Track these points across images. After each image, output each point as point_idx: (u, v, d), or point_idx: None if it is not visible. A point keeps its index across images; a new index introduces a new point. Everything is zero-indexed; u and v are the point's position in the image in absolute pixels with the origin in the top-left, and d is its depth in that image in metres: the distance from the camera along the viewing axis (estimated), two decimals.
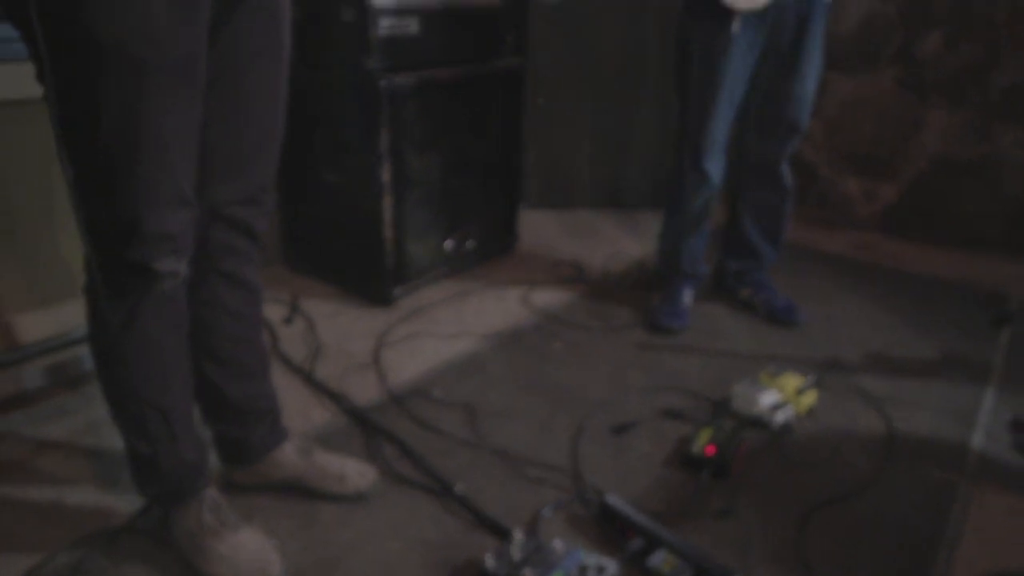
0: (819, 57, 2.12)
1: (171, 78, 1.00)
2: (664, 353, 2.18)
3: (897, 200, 3.26)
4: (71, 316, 1.82)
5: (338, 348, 2.17)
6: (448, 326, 2.31)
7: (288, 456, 1.53)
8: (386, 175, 2.22)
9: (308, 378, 2.00)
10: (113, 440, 1.45)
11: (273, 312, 2.34)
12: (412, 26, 2.19)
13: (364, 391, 1.95)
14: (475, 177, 2.58)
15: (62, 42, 0.94)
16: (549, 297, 2.53)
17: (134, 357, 1.19)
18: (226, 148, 1.21)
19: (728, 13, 1.96)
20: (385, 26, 2.12)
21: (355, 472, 1.54)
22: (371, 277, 2.41)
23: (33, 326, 1.80)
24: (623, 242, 3.08)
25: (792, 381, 1.88)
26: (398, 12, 2.15)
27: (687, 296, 2.37)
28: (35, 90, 1.02)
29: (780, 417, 1.79)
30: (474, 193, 2.60)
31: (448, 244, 2.55)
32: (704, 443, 1.66)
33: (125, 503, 1.49)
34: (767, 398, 1.81)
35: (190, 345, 1.30)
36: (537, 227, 3.15)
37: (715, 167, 2.19)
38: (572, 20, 3.19)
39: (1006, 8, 2.87)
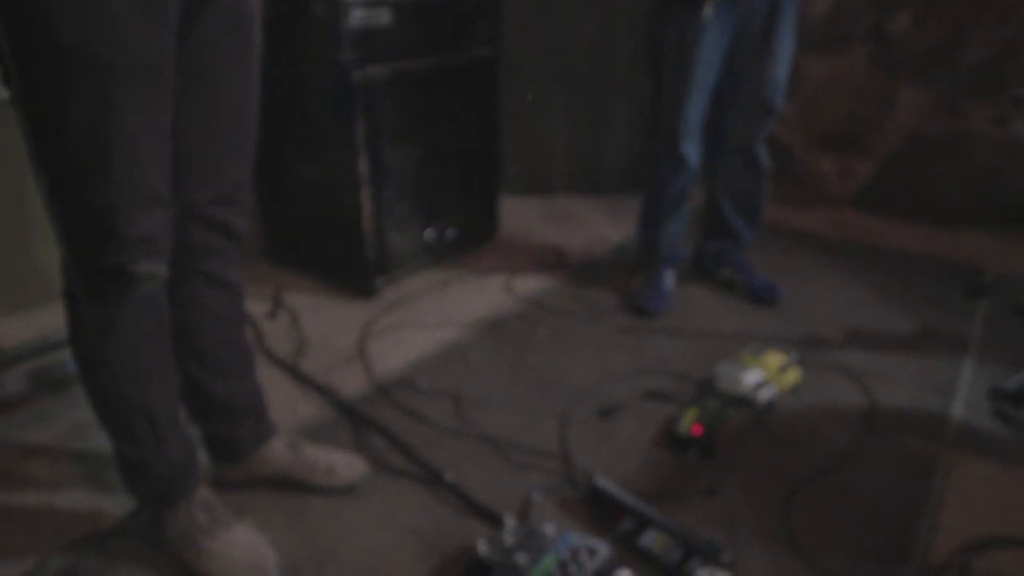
0: (791, 39, 2.14)
1: (139, 81, 0.99)
2: (647, 336, 2.20)
3: (872, 177, 3.30)
4: (52, 320, 1.79)
5: (322, 341, 2.17)
6: (431, 315, 2.31)
7: (277, 451, 1.53)
8: (363, 168, 2.21)
9: (294, 372, 2.00)
10: (100, 442, 1.44)
11: (256, 307, 2.33)
12: (384, 17, 2.18)
13: (350, 383, 1.95)
14: (453, 166, 2.57)
15: (26, 46, 0.93)
16: (531, 284, 2.54)
17: (116, 361, 1.18)
18: (200, 149, 1.20)
19: (699, 0, 1.97)
20: (357, 18, 2.10)
21: (344, 464, 1.54)
22: (353, 269, 2.41)
23: (13, 331, 1.78)
24: (602, 227, 3.10)
25: (774, 359, 1.91)
26: (370, 3, 2.13)
27: (668, 279, 2.38)
28: (3, 92, 1.01)
29: (764, 395, 1.81)
30: (453, 182, 2.60)
31: (428, 234, 2.55)
32: (690, 423, 1.68)
33: (115, 505, 1.48)
34: (750, 377, 1.84)
35: (173, 346, 1.29)
36: (517, 214, 3.16)
37: (691, 150, 2.20)
38: (545, 7, 3.18)
39: None
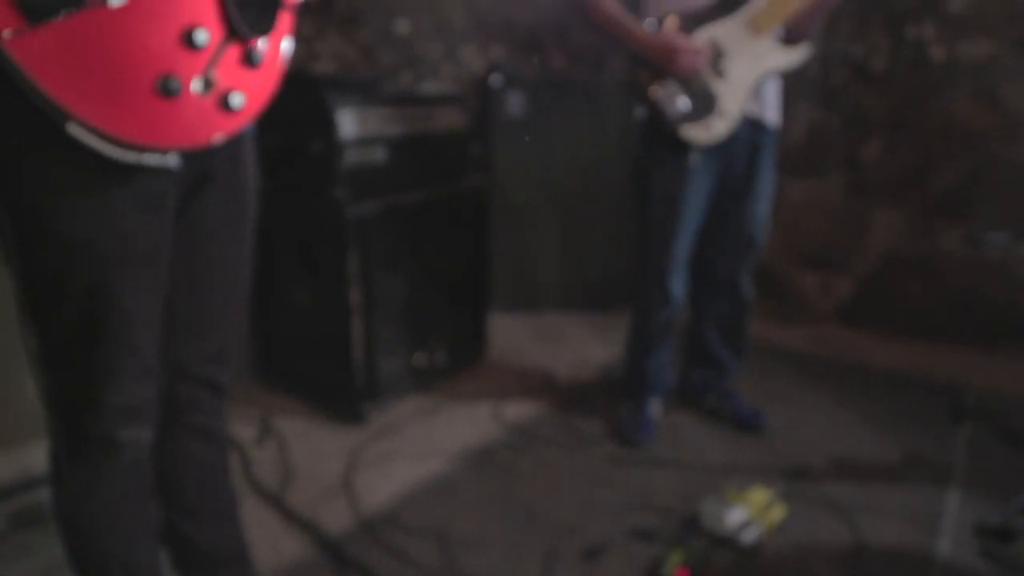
0: (772, 178, 2.25)
1: (136, 268, 1.03)
2: (633, 468, 2.20)
3: (852, 294, 3.38)
4: (35, 456, 1.80)
5: (309, 470, 2.17)
6: (419, 444, 2.32)
7: None
8: (354, 298, 2.27)
9: (279, 505, 1.99)
10: None
11: (244, 431, 2.34)
12: (378, 154, 2.29)
13: (335, 518, 1.94)
14: (442, 291, 2.64)
15: (29, 235, 0.97)
16: (518, 409, 2.55)
17: (98, 520, 1.18)
18: (191, 312, 1.23)
19: (686, 147, 2.08)
20: (352, 156, 2.21)
21: None
22: (341, 394, 2.43)
23: None
24: (590, 346, 3.14)
25: (759, 496, 1.91)
26: (365, 142, 2.24)
27: (654, 408, 2.41)
28: None
29: (749, 536, 1.81)
30: (442, 306, 2.65)
31: (417, 358, 2.58)
32: (674, 566, 1.67)
33: None
34: (735, 516, 1.84)
35: (156, 496, 1.30)
36: (506, 332, 3.20)
37: (677, 286, 2.28)
38: (535, 131, 3.31)
39: (937, 117, 3.07)
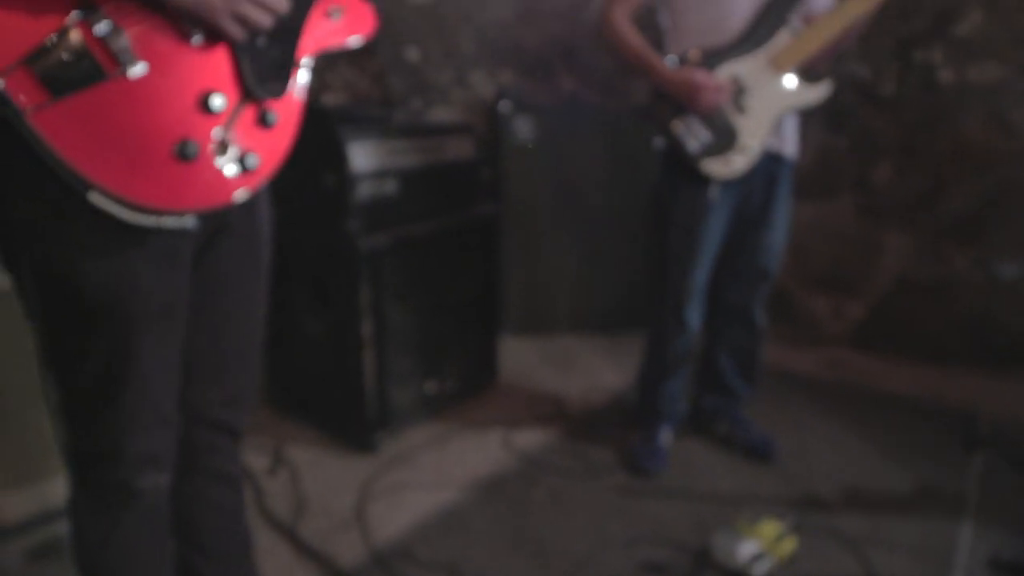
0: (788, 208, 2.27)
1: (155, 323, 1.05)
2: (644, 499, 2.20)
3: (864, 317, 3.37)
4: (53, 491, 1.83)
5: (321, 501, 2.18)
6: (431, 474, 2.33)
7: None
8: (366, 330, 2.28)
9: (292, 536, 2.00)
10: None
11: (257, 461, 2.35)
12: (390, 186, 2.31)
13: (348, 550, 1.95)
14: (454, 318, 2.65)
15: (51, 295, 0.99)
16: (529, 438, 2.56)
17: (117, 565, 1.20)
18: (207, 358, 1.25)
19: (706, 180, 2.11)
20: (364, 190, 2.23)
21: None
22: (353, 424, 2.44)
23: (14, 506, 1.81)
24: (602, 371, 3.14)
25: (770, 528, 1.91)
26: (377, 175, 2.26)
27: (665, 436, 2.41)
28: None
29: (760, 569, 1.81)
30: (453, 333, 2.66)
31: (429, 386, 2.59)
32: None
33: None
34: (746, 549, 1.84)
35: (173, 539, 1.32)
36: (517, 356, 3.22)
37: (694, 315, 2.29)
38: (545, 155, 3.33)
39: (947, 141, 3.07)
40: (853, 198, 3.30)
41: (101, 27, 0.87)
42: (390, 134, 2.33)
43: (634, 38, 2.13)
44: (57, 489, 1.81)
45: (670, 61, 2.11)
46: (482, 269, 2.74)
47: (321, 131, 2.22)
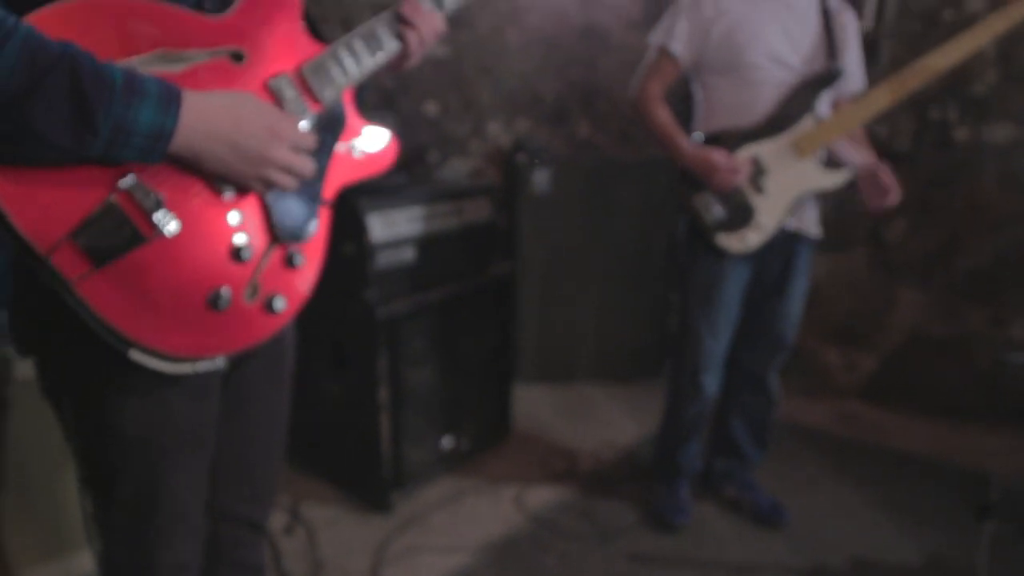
0: (806, 280, 2.31)
1: (187, 452, 1.11)
2: (655, 567, 2.23)
3: (877, 370, 3.38)
4: (81, 565, 1.88)
5: (337, 565, 2.23)
6: (444, 537, 2.37)
7: None
8: (383, 395, 2.33)
9: None
10: None
11: (273, 520, 2.39)
12: (408, 254, 2.36)
13: None
14: (469, 377, 2.69)
15: (89, 429, 1.05)
16: (542, 496, 2.59)
17: None
18: (232, 463, 1.29)
19: (722, 253, 2.16)
20: (383, 259, 2.28)
21: None
22: (369, 484, 2.49)
23: None
24: (618, 422, 3.17)
25: None
26: (394, 243, 2.32)
27: (686, 490, 2.47)
28: None
29: None
30: (468, 391, 2.71)
31: (444, 443, 2.64)
32: None
33: None
34: None
35: None
36: (532, 407, 3.25)
37: (711, 382, 2.33)
38: (561, 206, 3.37)
39: (961, 198, 3.08)
40: (868, 251, 3.32)
41: (140, 194, 0.92)
42: (409, 201, 2.38)
43: (662, 114, 2.22)
44: (83, 563, 1.87)
45: (695, 138, 2.19)
46: (498, 324, 2.78)
47: (340, 201, 2.26)
